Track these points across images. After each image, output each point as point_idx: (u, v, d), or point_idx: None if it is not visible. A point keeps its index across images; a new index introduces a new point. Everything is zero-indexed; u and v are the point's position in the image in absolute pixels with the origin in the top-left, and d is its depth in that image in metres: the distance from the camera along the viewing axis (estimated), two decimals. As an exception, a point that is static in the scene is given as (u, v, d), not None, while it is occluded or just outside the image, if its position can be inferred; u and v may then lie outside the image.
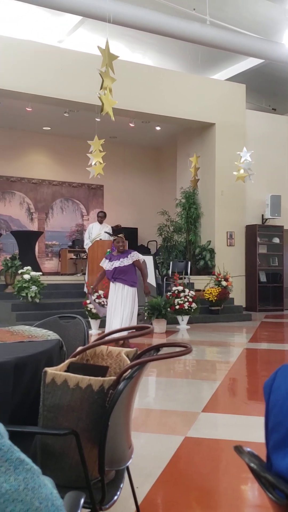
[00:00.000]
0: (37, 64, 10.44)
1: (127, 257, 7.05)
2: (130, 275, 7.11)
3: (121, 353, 2.12)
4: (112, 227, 7.67)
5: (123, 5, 7.49)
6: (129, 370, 1.75)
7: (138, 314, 9.31)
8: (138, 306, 9.26)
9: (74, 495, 1.07)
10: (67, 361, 1.95)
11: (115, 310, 7.15)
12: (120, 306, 7.12)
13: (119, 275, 7.08)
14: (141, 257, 7.20)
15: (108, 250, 10.29)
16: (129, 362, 2.01)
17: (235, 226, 12.86)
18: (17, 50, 10.29)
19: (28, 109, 11.65)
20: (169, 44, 11.18)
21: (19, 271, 9.94)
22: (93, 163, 10.36)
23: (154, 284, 10.09)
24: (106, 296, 9.16)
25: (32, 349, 2.13)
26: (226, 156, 12.37)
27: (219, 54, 11.22)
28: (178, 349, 1.86)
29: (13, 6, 9.30)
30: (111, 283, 7.23)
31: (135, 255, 7.11)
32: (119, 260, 7.06)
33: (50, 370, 1.74)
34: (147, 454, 3.29)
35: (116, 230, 7.40)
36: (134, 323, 7.13)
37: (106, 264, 7.15)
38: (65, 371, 1.86)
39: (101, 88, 7.59)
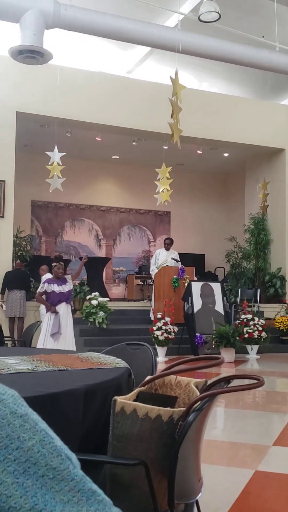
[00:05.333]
0: (106, 95, 10.75)
1: (67, 283, 7.76)
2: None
3: (190, 383, 2.09)
4: (56, 255, 8.26)
5: (191, 35, 7.60)
6: (199, 402, 1.72)
7: (206, 343, 9.21)
8: (205, 334, 9.19)
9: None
10: (136, 390, 1.94)
11: (67, 328, 7.77)
12: (70, 326, 7.83)
13: (67, 298, 7.79)
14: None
15: (175, 276, 10.29)
16: (198, 393, 1.97)
17: (307, 252, 12.52)
18: (86, 81, 10.65)
19: (98, 138, 11.98)
20: (237, 71, 11.22)
21: (87, 297, 10.11)
22: (160, 190, 10.46)
23: (222, 312, 9.94)
24: (172, 323, 9.13)
25: (101, 376, 2.13)
26: (296, 181, 12.15)
27: (288, 79, 11.12)
28: (248, 381, 1.81)
29: (80, 38, 9.66)
30: (63, 305, 7.70)
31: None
32: (61, 285, 7.72)
33: (119, 399, 1.74)
34: (216, 487, 3.20)
35: (58, 258, 8.13)
36: None
37: (57, 288, 7.68)
38: (134, 400, 1.85)
39: (171, 117, 7.69)
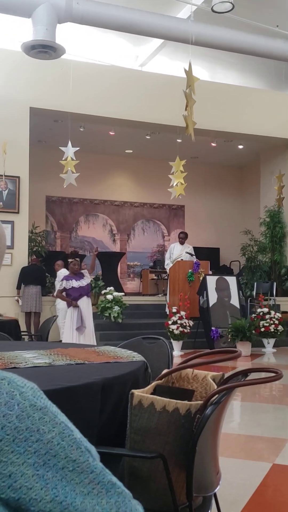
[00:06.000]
0: (119, 88, 10.72)
1: (84, 277, 7.81)
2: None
3: (207, 377, 2.08)
4: (72, 251, 8.33)
5: (204, 26, 7.54)
6: (217, 395, 1.71)
7: (221, 336, 9.19)
8: (220, 328, 9.18)
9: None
10: (153, 384, 1.94)
11: (89, 321, 7.87)
12: (90, 318, 7.91)
13: (87, 292, 7.88)
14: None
15: (190, 270, 10.27)
16: (215, 386, 1.97)
17: None
18: (98, 75, 10.63)
19: (111, 133, 11.97)
20: (251, 62, 11.12)
21: (102, 292, 10.14)
22: (174, 184, 10.42)
23: (238, 306, 9.90)
24: (188, 317, 9.12)
25: (118, 370, 2.13)
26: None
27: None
28: (264, 374, 1.80)
29: (92, 32, 9.63)
30: (84, 298, 7.76)
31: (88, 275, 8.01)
32: (79, 280, 7.78)
33: (137, 392, 1.74)
34: (233, 480, 3.20)
35: (74, 254, 8.30)
36: None
37: (76, 283, 7.74)
38: (151, 393, 1.85)
39: (185, 109, 7.65)
